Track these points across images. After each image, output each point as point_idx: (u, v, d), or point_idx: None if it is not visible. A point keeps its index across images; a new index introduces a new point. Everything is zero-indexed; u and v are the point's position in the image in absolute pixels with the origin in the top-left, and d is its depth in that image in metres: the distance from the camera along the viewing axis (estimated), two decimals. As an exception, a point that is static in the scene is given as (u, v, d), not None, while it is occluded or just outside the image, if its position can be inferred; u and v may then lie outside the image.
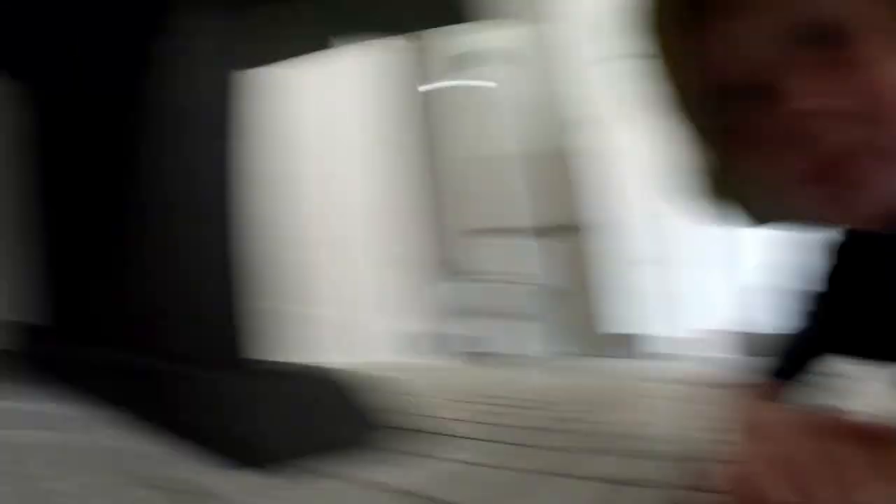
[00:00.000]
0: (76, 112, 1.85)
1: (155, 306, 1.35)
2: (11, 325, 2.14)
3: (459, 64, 7.36)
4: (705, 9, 0.51)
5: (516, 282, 7.14)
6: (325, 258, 3.81)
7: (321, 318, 3.59)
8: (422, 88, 6.90)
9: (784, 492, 0.47)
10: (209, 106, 1.40)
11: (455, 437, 1.48)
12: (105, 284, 1.52)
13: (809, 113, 0.47)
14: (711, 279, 7.50)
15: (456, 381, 3.37)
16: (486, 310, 6.73)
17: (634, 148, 7.11)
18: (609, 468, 1.16)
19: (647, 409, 2.23)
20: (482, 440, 1.40)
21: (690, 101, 0.55)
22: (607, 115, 7.08)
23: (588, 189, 7.22)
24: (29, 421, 1.15)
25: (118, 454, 0.98)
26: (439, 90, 7.06)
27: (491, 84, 7.44)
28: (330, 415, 1.28)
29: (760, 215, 0.60)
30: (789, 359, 0.74)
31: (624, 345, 6.91)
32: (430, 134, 6.85)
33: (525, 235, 7.19)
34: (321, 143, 3.94)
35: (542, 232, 7.21)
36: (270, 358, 1.53)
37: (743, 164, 0.54)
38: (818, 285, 0.69)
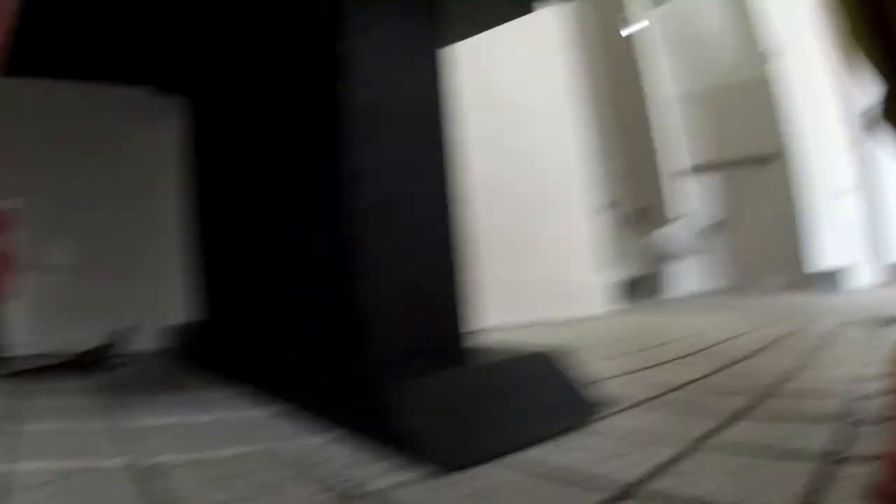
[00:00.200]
0: (242, 122, 1.86)
1: (371, 308, 1.26)
2: (188, 326, 2.25)
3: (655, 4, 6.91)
4: None
5: (707, 221, 6.71)
6: (535, 216, 3.75)
7: (532, 277, 3.57)
8: (624, 33, 6.47)
9: None
10: (412, 95, 1.33)
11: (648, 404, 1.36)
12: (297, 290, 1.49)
13: None
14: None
15: (658, 327, 3.20)
16: (684, 251, 6.44)
17: (832, 77, 6.68)
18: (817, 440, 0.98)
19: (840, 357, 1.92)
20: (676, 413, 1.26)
21: (875, 26, 0.54)
22: (805, 44, 6.59)
23: (787, 120, 6.49)
24: (221, 429, 1.23)
25: (308, 457, 1.02)
26: (640, 31, 6.58)
27: (687, 19, 6.94)
28: (545, 403, 1.23)
29: None
30: None
31: (827, 280, 6.15)
32: (634, 77, 6.53)
33: (736, 166, 6.66)
34: (524, 100, 3.86)
35: (741, 163, 6.63)
36: (481, 333, 1.50)
37: None
38: None
